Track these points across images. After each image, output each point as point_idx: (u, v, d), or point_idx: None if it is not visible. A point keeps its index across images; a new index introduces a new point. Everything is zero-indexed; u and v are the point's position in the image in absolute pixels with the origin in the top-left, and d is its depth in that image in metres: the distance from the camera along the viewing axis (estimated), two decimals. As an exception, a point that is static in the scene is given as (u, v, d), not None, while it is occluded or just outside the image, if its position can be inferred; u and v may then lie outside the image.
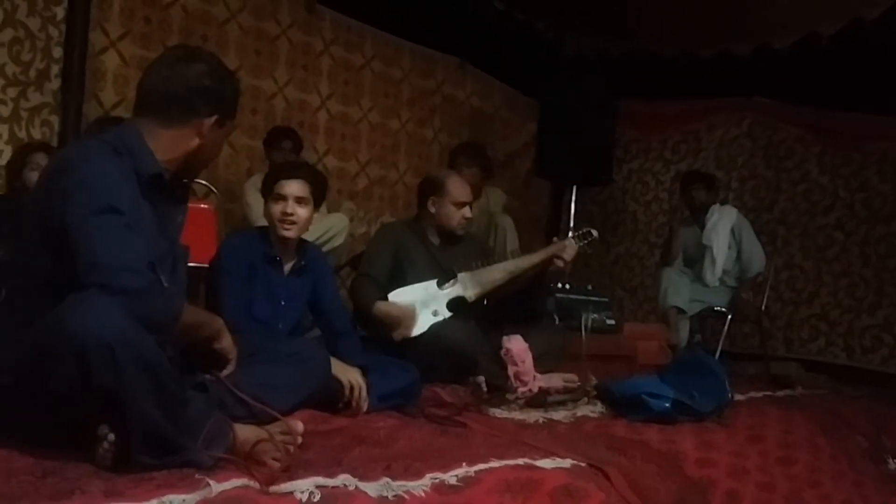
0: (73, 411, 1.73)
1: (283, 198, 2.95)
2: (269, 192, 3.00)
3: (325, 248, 4.10)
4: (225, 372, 2.07)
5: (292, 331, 3.05)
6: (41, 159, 3.48)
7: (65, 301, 1.70)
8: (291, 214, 2.94)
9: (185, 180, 2.18)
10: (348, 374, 2.65)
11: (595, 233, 3.78)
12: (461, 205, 3.79)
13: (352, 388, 2.61)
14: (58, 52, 3.95)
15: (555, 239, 3.79)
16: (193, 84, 2.03)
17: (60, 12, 3.94)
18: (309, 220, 3.02)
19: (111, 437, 1.72)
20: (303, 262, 3.07)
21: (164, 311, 1.84)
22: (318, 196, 3.06)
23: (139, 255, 1.81)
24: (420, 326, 3.54)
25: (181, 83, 2.03)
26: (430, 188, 3.85)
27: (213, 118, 2.06)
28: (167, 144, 2.03)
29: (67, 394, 1.70)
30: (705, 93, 6.49)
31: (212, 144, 2.11)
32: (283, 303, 3.02)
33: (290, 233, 2.96)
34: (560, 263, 3.62)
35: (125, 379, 1.66)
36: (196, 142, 2.05)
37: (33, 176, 3.47)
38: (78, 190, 1.82)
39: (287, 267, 3.06)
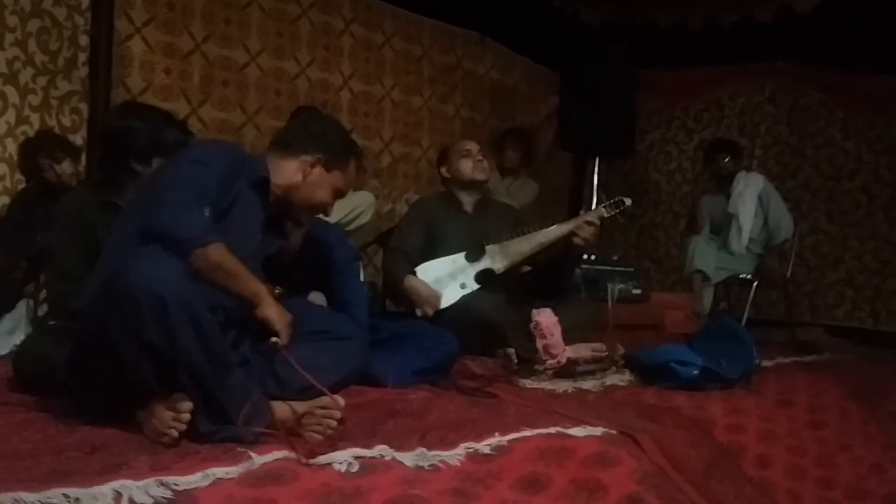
0: (132, 374, 1.80)
1: None
2: None
3: (351, 226, 4.14)
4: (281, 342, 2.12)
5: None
6: (43, 160, 3.53)
7: (130, 253, 1.85)
8: None
9: (285, 219, 2.48)
10: None
11: (628, 201, 3.72)
12: (467, 153, 3.90)
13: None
14: (84, 41, 4.00)
15: (581, 211, 3.78)
16: (306, 127, 2.51)
17: (85, 1, 3.98)
18: None
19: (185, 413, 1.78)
20: None
21: (194, 234, 2.01)
22: None
23: (194, 193, 2.07)
24: (448, 299, 3.59)
25: (299, 126, 2.55)
26: (439, 161, 4.06)
27: (316, 157, 2.38)
28: (278, 170, 2.37)
29: (124, 348, 1.77)
30: (727, 60, 6.46)
31: (312, 185, 2.40)
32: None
33: None
34: (579, 241, 3.57)
35: (174, 332, 1.74)
36: (300, 177, 2.38)
37: (50, 174, 3.52)
38: (185, 154, 2.22)
39: None
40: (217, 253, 2.03)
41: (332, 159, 2.41)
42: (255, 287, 2.13)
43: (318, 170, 2.39)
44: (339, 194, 2.51)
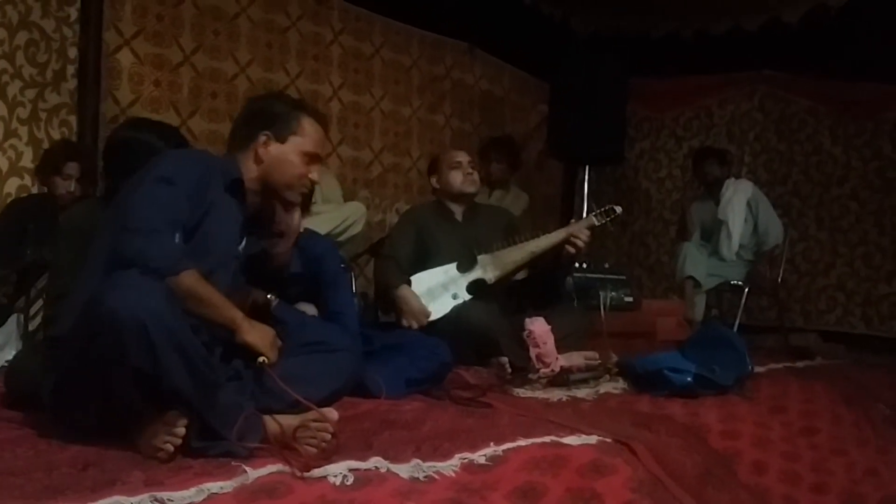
0: (119, 398, 1.78)
1: None
2: None
3: (343, 237, 4.13)
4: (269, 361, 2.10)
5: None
6: (72, 170, 3.51)
7: (109, 278, 1.81)
8: None
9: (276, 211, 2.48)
10: None
11: (619, 209, 3.71)
12: (457, 164, 3.91)
13: None
14: (73, 53, 3.99)
15: (572, 221, 3.79)
16: (244, 115, 2.39)
17: (74, 13, 3.98)
18: None
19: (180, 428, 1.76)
20: None
21: (164, 262, 1.94)
22: None
23: (164, 218, 2.01)
24: (440, 310, 3.59)
25: (239, 118, 2.41)
26: (429, 171, 4.08)
27: (264, 135, 2.29)
28: (245, 168, 2.30)
29: (110, 372, 1.75)
30: (716, 69, 6.49)
31: (277, 163, 2.31)
32: None
33: None
34: (572, 249, 3.57)
35: (158, 357, 1.72)
36: (260, 162, 2.30)
37: (65, 185, 3.51)
38: (153, 169, 2.10)
39: None
40: (189, 281, 1.98)
41: (279, 129, 2.32)
42: (231, 314, 2.08)
43: (272, 146, 2.31)
44: (313, 158, 2.38)
